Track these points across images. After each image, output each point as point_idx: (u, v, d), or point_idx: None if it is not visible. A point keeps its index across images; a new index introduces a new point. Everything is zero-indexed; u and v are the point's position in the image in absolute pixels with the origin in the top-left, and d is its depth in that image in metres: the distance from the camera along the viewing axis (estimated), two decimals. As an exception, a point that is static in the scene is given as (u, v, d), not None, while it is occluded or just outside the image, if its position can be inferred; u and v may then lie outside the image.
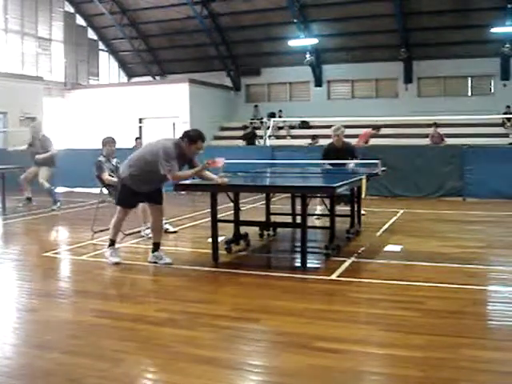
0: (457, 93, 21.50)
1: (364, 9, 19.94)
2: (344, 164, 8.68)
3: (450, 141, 15.53)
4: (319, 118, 19.93)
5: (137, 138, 14.90)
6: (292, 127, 22.43)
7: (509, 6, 18.11)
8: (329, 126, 10.15)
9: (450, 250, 6.66)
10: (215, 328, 4.10)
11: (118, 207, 6.16)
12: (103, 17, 23.75)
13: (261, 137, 18.74)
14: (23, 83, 18.90)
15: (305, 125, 21.96)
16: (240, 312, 4.50)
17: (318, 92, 23.62)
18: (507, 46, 19.59)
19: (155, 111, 20.95)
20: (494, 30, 18.50)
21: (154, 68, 25.77)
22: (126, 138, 13.37)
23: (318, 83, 23.54)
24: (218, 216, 6.32)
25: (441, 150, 13.26)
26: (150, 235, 6.54)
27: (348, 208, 7.72)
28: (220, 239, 6.35)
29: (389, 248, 6.81)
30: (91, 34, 25.08)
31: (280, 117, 21.77)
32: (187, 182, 6.22)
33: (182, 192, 9.64)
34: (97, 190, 8.62)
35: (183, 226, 8.63)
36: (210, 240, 6.28)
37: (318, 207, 8.91)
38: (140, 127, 21.25)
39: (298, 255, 6.10)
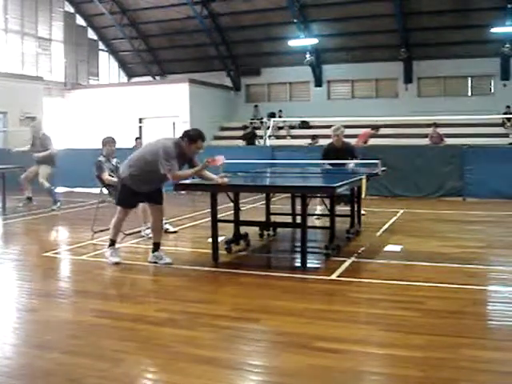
0: (457, 93, 21.49)
1: (364, 9, 19.93)
2: (344, 164, 8.67)
3: (450, 141, 15.51)
4: (319, 118, 19.92)
5: (137, 138, 14.90)
6: (292, 127, 22.42)
7: (509, 5, 18.10)
8: (329, 126, 10.16)
9: (449, 250, 6.66)
10: (215, 328, 4.10)
11: (118, 207, 6.16)
12: (103, 17, 23.75)
13: (261, 137, 18.73)
14: (23, 83, 18.90)
15: (305, 125, 21.95)
16: (240, 312, 4.50)
17: (317, 92, 23.61)
18: (507, 46, 19.59)
19: (155, 111, 20.94)
20: (493, 30, 18.49)
21: (154, 68, 25.77)
22: (126, 138, 13.36)
23: (318, 83, 23.53)
24: (218, 216, 6.32)
25: (441, 150, 13.25)
26: (150, 235, 6.54)
27: (348, 208, 7.72)
28: (220, 239, 6.35)
29: (389, 248, 6.81)
30: (91, 34, 25.08)
31: (280, 117, 21.76)
32: (187, 181, 6.22)
33: (182, 192, 9.65)
34: (97, 190, 8.62)
35: (183, 226, 8.62)
36: (210, 240, 6.28)
37: (318, 207, 8.91)
38: (140, 127, 21.24)
39: (298, 255, 6.10)
